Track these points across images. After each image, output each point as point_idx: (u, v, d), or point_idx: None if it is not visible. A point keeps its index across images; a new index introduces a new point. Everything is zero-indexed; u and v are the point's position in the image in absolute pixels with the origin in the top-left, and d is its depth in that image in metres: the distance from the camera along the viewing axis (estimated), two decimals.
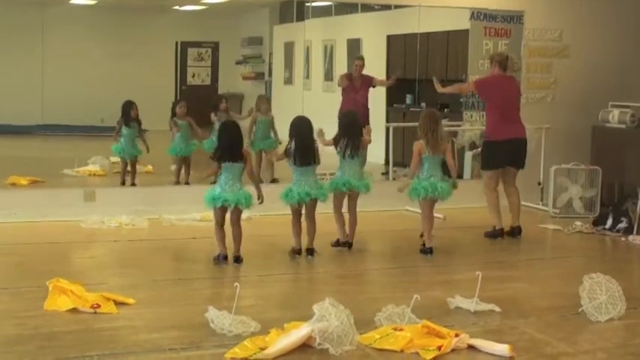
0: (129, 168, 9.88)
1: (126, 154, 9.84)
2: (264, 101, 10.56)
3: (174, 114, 10.03)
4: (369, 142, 7.84)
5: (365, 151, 7.98)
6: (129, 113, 9.79)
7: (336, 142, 7.58)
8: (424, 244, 7.56)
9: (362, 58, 10.81)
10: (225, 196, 6.85)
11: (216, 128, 9.71)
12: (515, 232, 8.44)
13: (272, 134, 10.25)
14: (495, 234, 8.29)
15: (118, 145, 9.86)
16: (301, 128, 7.26)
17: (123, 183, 9.80)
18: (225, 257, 6.94)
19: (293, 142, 7.21)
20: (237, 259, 6.97)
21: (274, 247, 7.49)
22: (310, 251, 7.28)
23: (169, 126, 10.04)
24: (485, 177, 8.55)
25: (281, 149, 7.69)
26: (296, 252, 7.27)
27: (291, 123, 7.34)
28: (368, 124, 10.20)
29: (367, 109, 10.46)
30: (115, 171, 10.14)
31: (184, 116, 10.00)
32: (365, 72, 10.67)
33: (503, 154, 8.42)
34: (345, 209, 7.65)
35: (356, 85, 10.57)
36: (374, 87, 10.80)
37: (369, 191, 7.62)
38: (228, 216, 7.02)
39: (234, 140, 6.98)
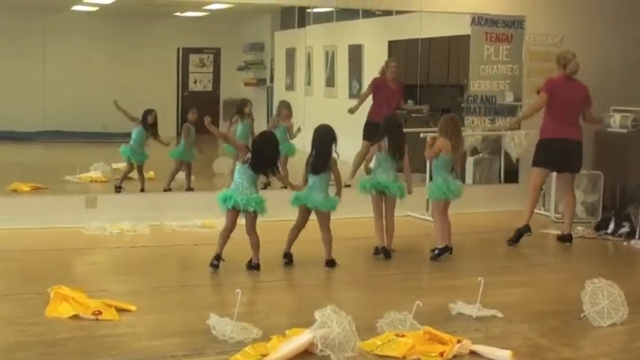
0: (132, 175, 9.92)
1: (133, 157, 9.89)
2: (285, 107, 10.34)
3: (185, 120, 10.33)
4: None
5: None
6: (146, 118, 10.00)
7: (378, 144, 7.62)
8: (438, 248, 7.51)
9: (397, 61, 10.53)
10: (235, 197, 6.80)
11: (237, 130, 10.07)
12: (565, 238, 8.53)
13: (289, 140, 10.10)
14: (522, 230, 8.29)
15: (127, 147, 9.92)
16: (320, 138, 7.21)
17: (119, 187, 9.79)
18: (218, 257, 6.89)
19: (313, 151, 7.22)
20: (257, 266, 6.97)
21: (275, 254, 7.45)
22: (329, 263, 7.20)
23: (182, 131, 10.24)
24: (533, 173, 8.60)
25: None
26: (286, 256, 7.28)
27: (313, 131, 7.35)
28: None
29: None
30: (117, 177, 10.12)
31: (194, 123, 10.15)
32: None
33: (552, 154, 8.41)
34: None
35: (391, 87, 10.25)
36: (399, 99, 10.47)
37: (403, 196, 7.65)
38: (243, 223, 6.99)
39: (268, 154, 6.91)
